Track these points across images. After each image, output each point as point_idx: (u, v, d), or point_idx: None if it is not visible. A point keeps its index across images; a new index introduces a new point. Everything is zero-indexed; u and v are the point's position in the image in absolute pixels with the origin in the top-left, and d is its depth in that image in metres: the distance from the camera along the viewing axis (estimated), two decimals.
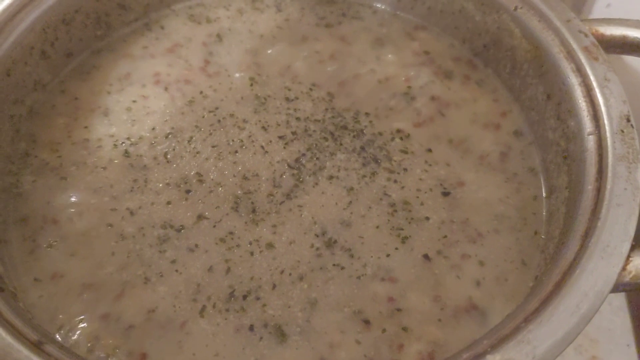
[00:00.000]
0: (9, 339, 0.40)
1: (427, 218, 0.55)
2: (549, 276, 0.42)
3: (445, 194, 0.56)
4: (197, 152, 0.58)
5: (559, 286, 0.41)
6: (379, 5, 0.73)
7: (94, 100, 0.62)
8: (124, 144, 0.59)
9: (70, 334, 0.48)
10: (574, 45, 0.57)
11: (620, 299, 0.68)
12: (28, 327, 0.41)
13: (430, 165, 0.58)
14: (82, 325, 0.48)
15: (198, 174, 0.57)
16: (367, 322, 0.49)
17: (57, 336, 0.47)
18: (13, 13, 0.58)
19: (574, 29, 0.59)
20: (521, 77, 0.63)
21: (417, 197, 0.56)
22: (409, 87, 0.64)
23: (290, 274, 0.51)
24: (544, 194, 0.57)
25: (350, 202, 0.56)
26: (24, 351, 0.39)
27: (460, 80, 0.66)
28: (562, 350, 0.39)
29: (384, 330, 0.49)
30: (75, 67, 0.65)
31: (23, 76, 0.60)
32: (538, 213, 0.56)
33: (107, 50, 0.67)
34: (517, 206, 0.56)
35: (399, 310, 0.49)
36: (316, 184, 0.57)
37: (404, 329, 0.49)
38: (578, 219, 0.45)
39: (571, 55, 0.57)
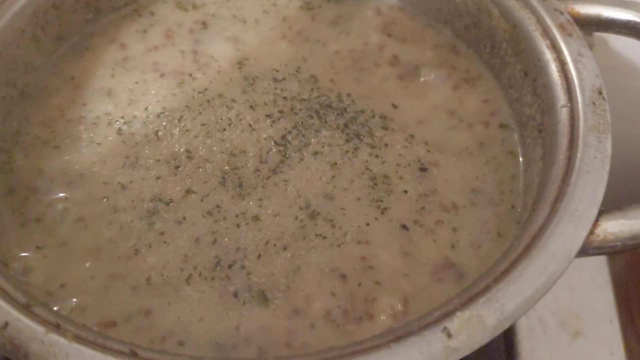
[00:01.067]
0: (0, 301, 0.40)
1: (406, 191, 0.54)
2: (520, 240, 0.42)
3: (423, 169, 0.56)
4: (187, 130, 0.58)
5: (528, 248, 0.41)
6: None
7: (89, 81, 0.62)
8: (117, 122, 0.59)
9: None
10: (550, 23, 0.57)
11: (603, 276, 0.67)
12: (18, 291, 0.41)
13: (410, 143, 0.58)
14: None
15: (187, 150, 0.57)
16: (343, 276, 0.49)
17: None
18: None
19: (549, 7, 0.58)
20: (500, 56, 0.62)
21: (397, 171, 0.56)
22: (393, 64, 0.64)
23: (274, 245, 0.51)
24: (521, 171, 0.56)
25: (334, 176, 0.55)
26: (14, 312, 0.39)
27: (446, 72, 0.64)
28: (529, 309, 0.38)
29: (359, 284, 0.49)
30: (67, 50, 0.65)
31: (14, 58, 0.59)
32: (515, 189, 0.55)
33: (99, 34, 0.66)
34: (494, 183, 0.56)
35: (371, 267, 0.50)
36: (301, 159, 0.56)
37: (377, 283, 0.49)
38: (549, 187, 0.45)
39: (546, 32, 0.56)
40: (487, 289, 0.39)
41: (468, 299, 0.38)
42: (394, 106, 0.60)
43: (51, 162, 0.56)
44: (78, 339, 0.38)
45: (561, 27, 0.56)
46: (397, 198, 0.54)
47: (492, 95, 0.62)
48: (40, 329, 0.38)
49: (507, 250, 0.43)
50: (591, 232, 0.42)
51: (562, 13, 0.57)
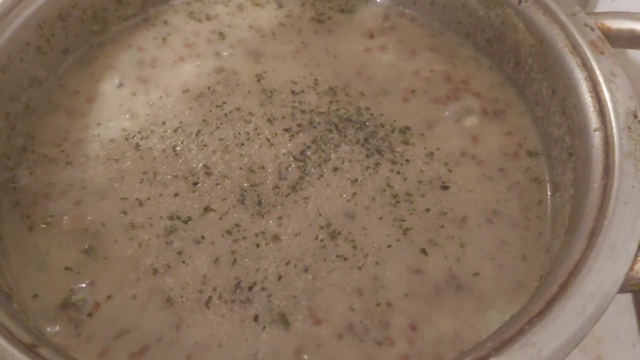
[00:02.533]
0: (2, 341, 0.36)
1: (428, 210, 0.50)
2: (554, 277, 0.38)
3: (445, 187, 0.52)
4: (205, 145, 0.54)
5: (564, 287, 0.37)
6: (378, 0, 0.68)
7: (99, 95, 0.57)
8: (135, 138, 0.54)
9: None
10: (580, 39, 0.52)
11: (626, 298, 0.62)
12: (22, 330, 0.37)
13: (431, 159, 0.54)
14: None
15: (205, 166, 0.53)
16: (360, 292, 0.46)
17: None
18: (8, 9, 0.53)
19: (579, 22, 0.53)
20: (525, 72, 0.57)
21: (419, 188, 0.52)
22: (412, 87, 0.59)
23: (295, 266, 0.47)
24: (549, 196, 0.52)
25: (355, 193, 0.51)
26: (17, 354, 0.35)
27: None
28: (567, 353, 0.34)
29: (378, 304, 0.45)
30: (73, 62, 0.60)
31: (18, 72, 0.55)
32: (542, 216, 0.50)
33: (109, 43, 0.62)
34: (519, 207, 0.51)
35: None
36: (321, 175, 0.52)
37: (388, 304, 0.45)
38: (584, 218, 0.41)
39: (576, 50, 0.52)
40: (521, 332, 0.35)
41: (501, 343, 0.35)
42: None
43: (62, 178, 0.51)
44: None
45: (592, 45, 0.51)
46: (420, 217, 0.50)
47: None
48: None
49: (540, 286, 0.39)
50: (630, 268, 0.37)
51: (592, 29, 0.52)
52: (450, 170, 0.53)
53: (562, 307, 0.36)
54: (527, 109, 0.57)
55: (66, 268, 0.47)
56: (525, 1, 0.57)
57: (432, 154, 0.54)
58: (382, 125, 0.56)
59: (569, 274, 0.37)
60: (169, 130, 0.55)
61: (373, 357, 0.43)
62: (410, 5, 0.67)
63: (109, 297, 0.46)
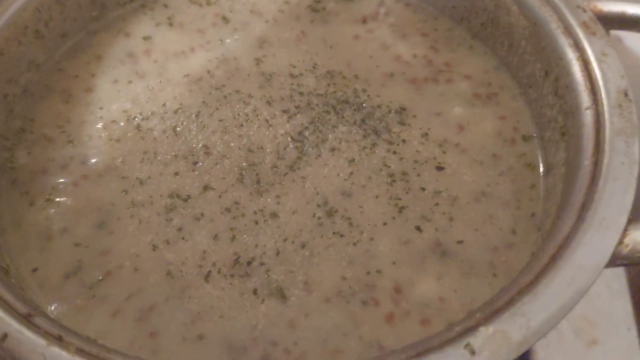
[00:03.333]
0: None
1: (423, 189, 0.50)
2: (545, 250, 0.38)
3: (440, 168, 0.51)
4: (204, 126, 0.53)
5: (554, 259, 0.36)
6: None
7: (100, 78, 0.57)
8: (136, 119, 0.54)
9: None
10: (572, 21, 0.51)
11: (620, 282, 0.60)
12: (19, 301, 0.37)
13: (427, 138, 0.53)
14: None
15: (205, 146, 0.52)
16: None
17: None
18: None
19: (572, 4, 0.52)
20: (519, 54, 0.57)
21: (415, 168, 0.51)
22: (407, 63, 0.59)
23: (293, 242, 0.47)
24: (541, 176, 0.51)
25: (352, 172, 0.51)
26: (14, 324, 0.35)
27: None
28: (556, 324, 0.34)
29: (368, 273, 0.45)
30: (72, 47, 0.59)
31: (17, 55, 0.54)
32: (535, 198, 0.50)
33: (105, 30, 0.61)
34: (512, 190, 0.50)
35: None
36: (319, 155, 0.52)
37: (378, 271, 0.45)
38: (575, 194, 0.40)
39: (569, 31, 0.51)
40: (511, 302, 0.35)
41: (492, 313, 0.34)
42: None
43: (62, 154, 0.51)
44: (81, 352, 0.34)
45: (584, 26, 0.50)
46: (415, 196, 0.50)
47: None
48: (41, 342, 0.34)
49: (531, 261, 0.39)
50: (620, 242, 0.37)
51: (584, 10, 0.51)
52: (444, 152, 0.52)
53: (551, 279, 0.36)
54: (521, 91, 0.57)
55: (75, 244, 0.47)
56: None
57: (426, 134, 0.53)
58: (378, 107, 0.55)
59: (558, 247, 0.37)
60: (169, 112, 0.54)
61: (357, 316, 0.43)
62: None
63: (112, 270, 0.46)
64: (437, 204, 0.49)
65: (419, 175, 0.51)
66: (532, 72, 0.55)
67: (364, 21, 0.63)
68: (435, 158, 0.52)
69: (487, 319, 0.34)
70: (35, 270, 0.46)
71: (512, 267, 0.44)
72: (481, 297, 0.43)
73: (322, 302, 0.44)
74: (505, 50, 0.59)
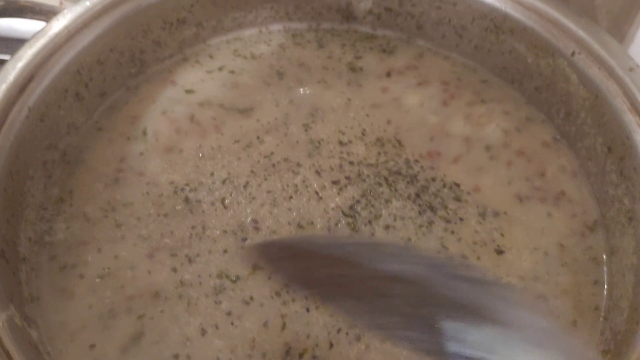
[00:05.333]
0: None
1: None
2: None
3: (499, 252, 0.46)
4: (253, 198, 0.49)
5: None
6: (421, 43, 0.62)
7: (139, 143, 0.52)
8: (183, 190, 0.49)
9: None
10: (639, 98, 0.46)
11: None
12: None
13: (484, 217, 0.48)
14: None
15: (254, 220, 0.48)
16: None
17: None
18: (47, 55, 0.47)
19: (638, 79, 0.47)
20: (577, 124, 0.52)
21: (474, 250, 0.46)
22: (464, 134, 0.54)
23: (347, 334, 0.42)
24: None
25: None
26: None
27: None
28: None
29: None
30: (110, 106, 0.54)
31: (56, 120, 0.49)
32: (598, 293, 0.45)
33: (146, 83, 0.56)
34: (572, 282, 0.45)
35: None
36: (372, 234, 0.47)
37: None
38: None
39: (636, 108, 0.46)
40: None
41: None
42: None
43: (105, 235, 0.47)
44: None
45: None
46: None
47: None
48: None
49: None
50: None
51: None
52: (502, 235, 0.47)
53: None
54: (579, 163, 0.52)
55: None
56: (579, 53, 0.51)
57: (484, 214, 0.48)
58: (432, 180, 0.50)
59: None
60: (217, 182, 0.50)
61: None
62: (452, 48, 0.61)
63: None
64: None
65: (478, 258, 0.46)
66: (592, 145, 0.50)
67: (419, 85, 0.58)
68: (494, 241, 0.47)
69: None
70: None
71: None
72: None
73: None
74: (561, 118, 0.54)
